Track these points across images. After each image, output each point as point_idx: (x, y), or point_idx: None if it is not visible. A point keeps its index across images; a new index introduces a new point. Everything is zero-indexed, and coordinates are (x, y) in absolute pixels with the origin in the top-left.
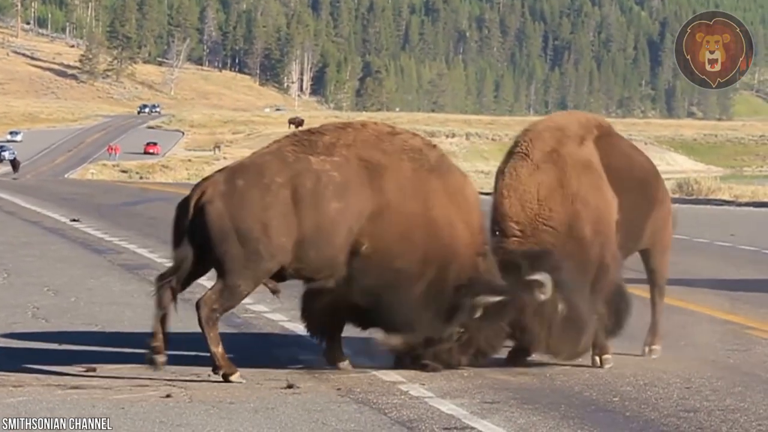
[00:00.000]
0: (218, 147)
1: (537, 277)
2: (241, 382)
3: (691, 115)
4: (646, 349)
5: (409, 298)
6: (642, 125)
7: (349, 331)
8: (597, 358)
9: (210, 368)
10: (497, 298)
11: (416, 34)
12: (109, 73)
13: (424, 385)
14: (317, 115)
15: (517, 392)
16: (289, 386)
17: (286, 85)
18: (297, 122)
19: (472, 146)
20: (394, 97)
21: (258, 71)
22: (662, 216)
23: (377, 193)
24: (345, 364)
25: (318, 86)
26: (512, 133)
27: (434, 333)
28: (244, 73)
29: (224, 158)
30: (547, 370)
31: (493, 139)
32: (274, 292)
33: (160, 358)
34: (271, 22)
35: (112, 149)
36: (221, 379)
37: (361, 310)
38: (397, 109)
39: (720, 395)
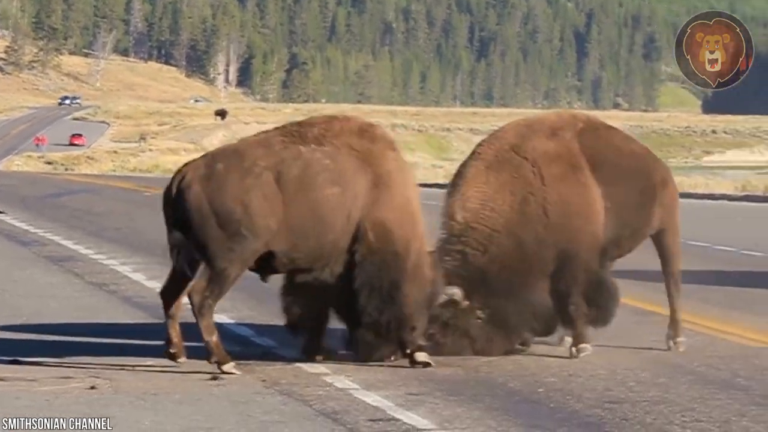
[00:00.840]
0: (144, 138)
1: (449, 291)
2: (235, 373)
3: (617, 106)
4: (671, 343)
5: (403, 281)
6: None
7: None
8: (573, 349)
9: (135, 359)
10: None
11: (343, 25)
12: (34, 65)
13: (349, 376)
14: (243, 106)
15: (442, 384)
16: (215, 378)
17: (212, 76)
18: (222, 114)
19: (398, 137)
20: (321, 89)
21: (184, 63)
22: (668, 198)
23: (372, 179)
24: (321, 359)
25: (244, 78)
26: (438, 124)
27: (416, 320)
28: (171, 65)
29: (150, 150)
30: (471, 361)
31: (419, 130)
32: (263, 280)
33: (182, 360)
34: (197, 13)
35: (39, 140)
36: (215, 368)
37: (352, 302)
38: (323, 101)
39: (644, 386)
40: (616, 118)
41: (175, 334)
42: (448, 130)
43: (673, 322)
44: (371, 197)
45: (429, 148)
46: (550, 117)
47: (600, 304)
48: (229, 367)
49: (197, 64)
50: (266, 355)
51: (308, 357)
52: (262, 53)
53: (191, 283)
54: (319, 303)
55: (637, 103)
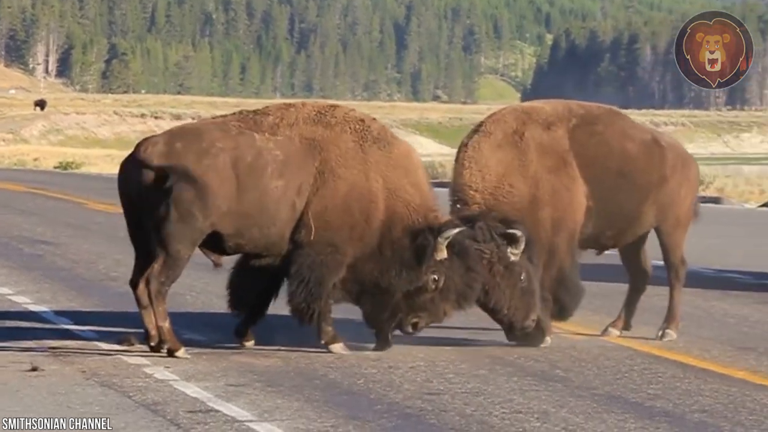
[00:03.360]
0: None
1: (514, 231)
2: (187, 358)
3: (436, 98)
4: (659, 332)
5: (368, 265)
6: (388, 108)
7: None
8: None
9: None
10: (459, 230)
11: (162, 16)
12: None
13: (169, 368)
14: (62, 97)
15: (262, 375)
16: (33, 369)
17: (32, 66)
18: (41, 104)
19: None
20: (141, 79)
21: (3, 52)
22: (670, 192)
23: (320, 166)
24: (251, 344)
25: (64, 68)
26: None
27: (408, 284)
28: None
29: None
30: (291, 353)
31: None
32: (216, 264)
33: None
34: (16, 3)
35: None
36: (166, 354)
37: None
38: (143, 91)
39: (464, 378)
40: (436, 110)
41: (151, 325)
42: None
43: (669, 312)
44: (315, 184)
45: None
46: (546, 108)
47: (563, 300)
48: (181, 353)
49: (16, 54)
50: (86, 345)
51: (238, 340)
52: (82, 44)
53: (149, 270)
54: (261, 289)
55: (457, 95)
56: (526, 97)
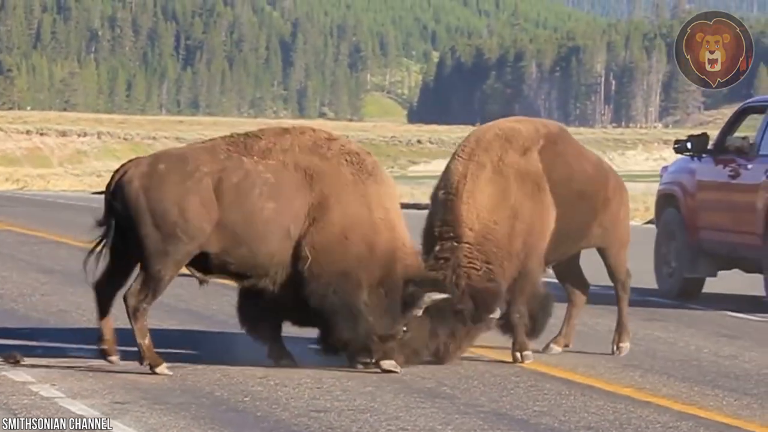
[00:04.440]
0: None
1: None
2: (168, 374)
3: (322, 115)
4: (614, 347)
5: (357, 299)
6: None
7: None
8: (518, 354)
9: None
10: (443, 296)
11: (48, 32)
12: None
13: (54, 385)
14: None
15: (148, 392)
16: None
17: None
18: None
19: (104, 145)
20: (26, 96)
21: None
22: (611, 215)
23: (317, 197)
24: (286, 362)
25: None
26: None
27: (386, 329)
28: None
29: None
30: (178, 370)
31: (125, 139)
32: (202, 282)
33: (113, 358)
34: None
35: None
36: (147, 370)
37: (303, 311)
38: (29, 108)
39: (350, 395)
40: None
41: (108, 331)
42: (154, 138)
43: (619, 326)
44: (314, 216)
45: (135, 156)
46: (522, 131)
47: (538, 318)
48: (161, 368)
49: None
50: None
51: (275, 362)
52: None
53: (129, 287)
54: (272, 312)
55: (343, 112)
56: (412, 114)
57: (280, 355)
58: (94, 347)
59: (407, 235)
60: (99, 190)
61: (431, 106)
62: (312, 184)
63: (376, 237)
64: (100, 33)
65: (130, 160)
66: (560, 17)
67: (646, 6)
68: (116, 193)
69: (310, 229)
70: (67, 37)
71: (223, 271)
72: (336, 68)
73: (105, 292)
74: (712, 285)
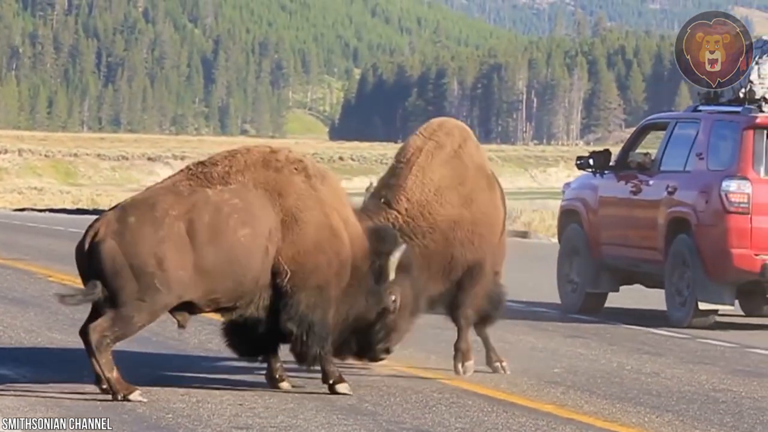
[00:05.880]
0: None
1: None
2: (142, 401)
3: (244, 132)
4: (459, 366)
5: (347, 298)
6: (195, 143)
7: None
8: (460, 365)
9: None
10: (403, 248)
11: None
12: None
13: None
14: None
15: (70, 410)
16: None
17: None
18: None
19: (25, 162)
20: None
21: None
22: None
23: (281, 211)
24: (285, 385)
25: None
26: (65, 149)
27: (377, 308)
28: None
29: None
30: (95, 387)
31: (46, 156)
32: (181, 325)
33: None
34: None
35: None
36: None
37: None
38: None
39: (272, 412)
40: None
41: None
42: (76, 155)
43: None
44: (282, 230)
45: (56, 173)
46: (467, 127)
47: (490, 313)
48: (135, 395)
49: None
50: None
51: (271, 384)
52: None
53: (93, 323)
54: (262, 336)
55: (265, 129)
56: (333, 131)
57: (277, 379)
58: (15, 365)
59: (357, 222)
60: (20, 207)
61: (353, 123)
62: (273, 198)
63: (337, 238)
64: (21, 50)
65: (97, 219)
66: (482, 35)
67: (567, 24)
68: (92, 254)
69: (285, 242)
70: None
71: (213, 308)
72: (258, 85)
73: None
74: (615, 299)
